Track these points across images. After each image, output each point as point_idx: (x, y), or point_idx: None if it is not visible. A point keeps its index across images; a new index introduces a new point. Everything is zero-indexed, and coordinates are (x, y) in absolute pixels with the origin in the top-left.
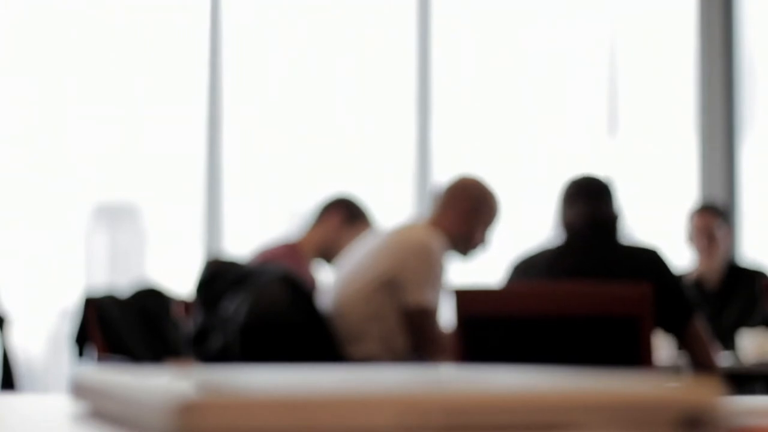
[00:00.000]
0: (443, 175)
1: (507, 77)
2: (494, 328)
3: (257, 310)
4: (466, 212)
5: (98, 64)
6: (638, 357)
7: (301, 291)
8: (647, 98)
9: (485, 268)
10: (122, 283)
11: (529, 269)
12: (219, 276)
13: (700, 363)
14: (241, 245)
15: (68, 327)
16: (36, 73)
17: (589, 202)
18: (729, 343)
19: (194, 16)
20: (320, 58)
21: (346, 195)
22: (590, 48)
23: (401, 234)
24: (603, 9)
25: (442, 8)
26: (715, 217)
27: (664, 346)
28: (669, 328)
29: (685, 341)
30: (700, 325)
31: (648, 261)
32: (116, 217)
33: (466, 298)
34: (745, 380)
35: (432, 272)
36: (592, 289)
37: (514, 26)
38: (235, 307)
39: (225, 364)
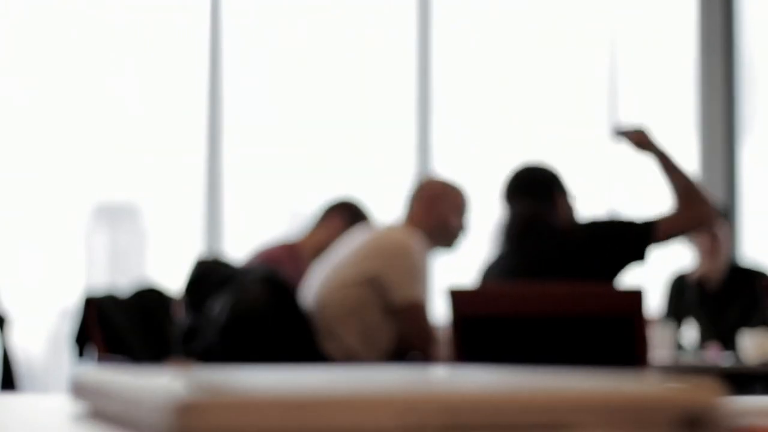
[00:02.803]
0: (440, 174)
1: (507, 77)
2: (491, 328)
3: (237, 310)
4: (438, 208)
5: (98, 64)
6: (635, 356)
7: (283, 291)
8: (647, 98)
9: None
10: (122, 283)
11: (491, 273)
12: (206, 276)
13: (691, 222)
14: (241, 245)
15: (68, 327)
16: (36, 73)
17: (516, 202)
18: (730, 343)
19: (194, 16)
20: (320, 58)
21: (349, 199)
22: (590, 48)
23: (380, 236)
24: (603, 9)
25: (442, 8)
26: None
27: (661, 346)
28: (655, 243)
29: (668, 232)
30: (664, 217)
31: (580, 229)
32: (116, 217)
33: (463, 298)
34: (746, 380)
35: (415, 268)
36: (588, 289)
37: (514, 26)
38: (219, 307)
39: (210, 364)
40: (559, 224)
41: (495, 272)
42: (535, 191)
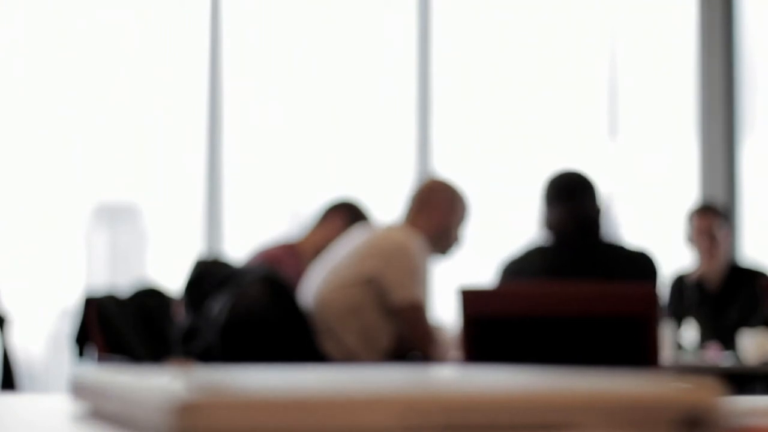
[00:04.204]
0: (443, 175)
1: (507, 78)
2: (501, 328)
3: (237, 309)
4: (440, 213)
5: (99, 64)
6: (644, 357)
7: (282, 291)
8: (648, 99)
9: (484, 269)
10: (122, 283)
11: (519, 270)
12: (206, 276)
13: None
14: (241, 245)
15: (68, 327)
16: (36, 73)
17: (569, 202)
18: (730, 343)
19: (194, 16)
20: (320, 58)
21: (350, 199)
22: (591, 49)
23: (380, 236)
24: (603, 10)
25: (442, 9)
26: (715, 218)
27: (669, 346)
28: None
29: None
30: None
31: (641, 265)
32: (116, 217)
33: (472, 298)
34: (745, 380)
35: (414, 268)
36: (599, 289)
37: (515, 26)
38: (219, 307)
39: (209, 364)
40: (609, 232)
41: (533, 268)
42: (584, 194)
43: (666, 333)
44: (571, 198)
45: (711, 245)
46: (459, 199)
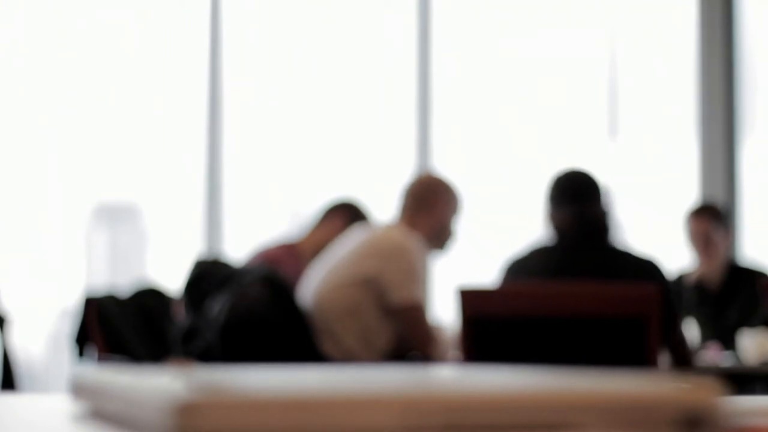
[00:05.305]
0: (434, 170)
1: (508, 78)
2: (500, 328)
3: (237, 309)
4: (438, 211)
5: (99, 63)
6: (644, 358)
7: (282, 291)
8: (647, 99)
9: (484, 268)
10: (122, 283)
11: (522, 270)
12: (206, 276)
13: (680, 362)
14: (241, 245)
15: (68, 327)
16: (36, 73)
17: (576, 203)
18: (730, 343)
19: (194, 16)
20: (320, 57)
21: (350, 200)
22: (591, 49)
23: (378, 236)
24: (603, 10)
25: (442, 9)
26: (710, 220)
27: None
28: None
29: (668, 342)
30: (681, 327)
31: (648, 272)
32: (116, 217)
33: (471, 298)
34: (745, 380)
35: (413, 268)
36: (599, 290)
37: (514, 25)
38: (218, 307)
39: (209, 364)
40: (617, 234)
41: (537, 268)
42: (592, 195)
43: (687, 334)
44: (577, 199)
45: (706, 248)
46: (453, 194)
